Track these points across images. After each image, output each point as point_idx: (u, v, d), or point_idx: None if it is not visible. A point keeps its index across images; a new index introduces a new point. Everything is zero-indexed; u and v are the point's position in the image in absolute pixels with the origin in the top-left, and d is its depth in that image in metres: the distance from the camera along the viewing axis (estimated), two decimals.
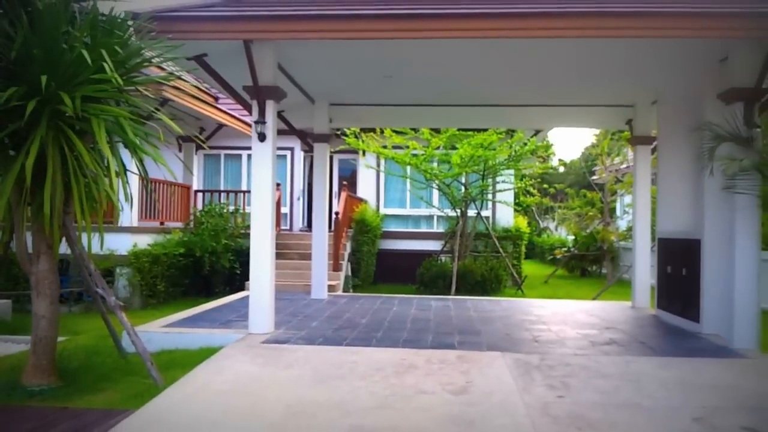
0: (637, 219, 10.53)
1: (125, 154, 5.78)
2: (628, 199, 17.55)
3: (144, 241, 11.60)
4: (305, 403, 4.84)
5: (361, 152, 16.44)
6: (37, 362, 5.61)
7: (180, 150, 14.78)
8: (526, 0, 7.11)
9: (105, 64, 5.14)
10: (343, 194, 14.50)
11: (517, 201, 17.80)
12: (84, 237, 5.89)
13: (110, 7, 5.79)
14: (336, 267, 12.88)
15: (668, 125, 9.44)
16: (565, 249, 20.28)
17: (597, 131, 19.76)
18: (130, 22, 6.07)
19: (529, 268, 20.05)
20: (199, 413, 4.58)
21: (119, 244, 10.82)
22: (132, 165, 6.06)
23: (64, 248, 5.95)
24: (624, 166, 18.72)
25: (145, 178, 6.18)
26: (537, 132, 14.92)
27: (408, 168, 15.62)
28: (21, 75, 5.21)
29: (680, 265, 8.65)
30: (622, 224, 19.80)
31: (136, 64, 5.86)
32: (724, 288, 7.29)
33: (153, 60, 6.11)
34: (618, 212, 21.01)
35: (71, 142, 5.29)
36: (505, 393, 5.22)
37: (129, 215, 10.98)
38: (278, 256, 12.36)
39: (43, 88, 4.98)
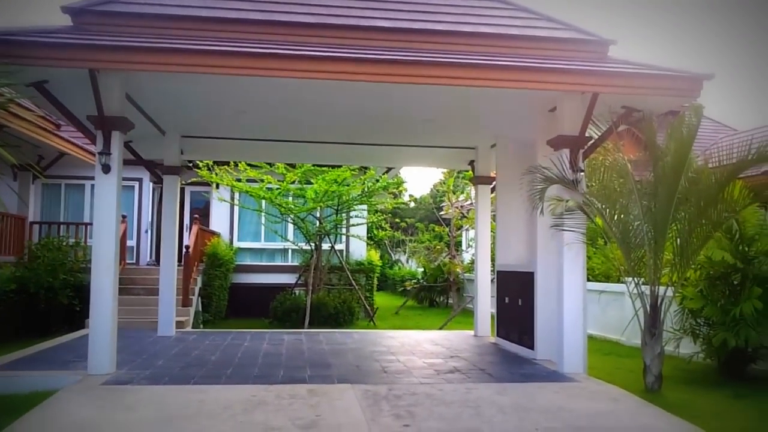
0: (478, 252, 11.20)
1: None
2: (472, 233, 18.58)
3: None
4: None
5: (214, 185, 16.16)
6: None
7: (15, 179, 13.74)
8: (372, 46, 7.52)
9: None
10: (195, 227, 14.15)
11: (369, 235, 18.27)
12: None
13: None
14: (185, 302, 12.49)
15: (505, 167, 10.22)
16: (415, 281, 21.00)
17: (444, 170, 20.82)
18: None
19: (381, 299, 20.53)
20: None
21: None
22: None
23: None
24: (468, 202, 19.83)
25: None
26: (389, 169, 15.50)
27: (263, 202, 15.56)
28: None
29: (517, 296, 9.31)
30: (467, 257, 20.87)
31: None
32: (554, 316, 7.93)
33: None
34: (463, 246, 22.13)
35: None
36: (354, 425, 5.34)
37: None
38: (123, 291, 11.79)
39: None
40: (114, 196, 7.18)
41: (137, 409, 5.67)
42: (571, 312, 7.60)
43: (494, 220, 11.17)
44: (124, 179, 7.58)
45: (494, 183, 11.10)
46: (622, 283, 10.45)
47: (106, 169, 7.15)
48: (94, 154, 7.47)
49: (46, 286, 11.65)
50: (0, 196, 5.44)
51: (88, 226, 14.72)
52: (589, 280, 8.25)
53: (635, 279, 7.60)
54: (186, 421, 5.33)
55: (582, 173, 7.77)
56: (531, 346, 8.65)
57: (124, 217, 13.88)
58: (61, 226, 14.96)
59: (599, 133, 8.14)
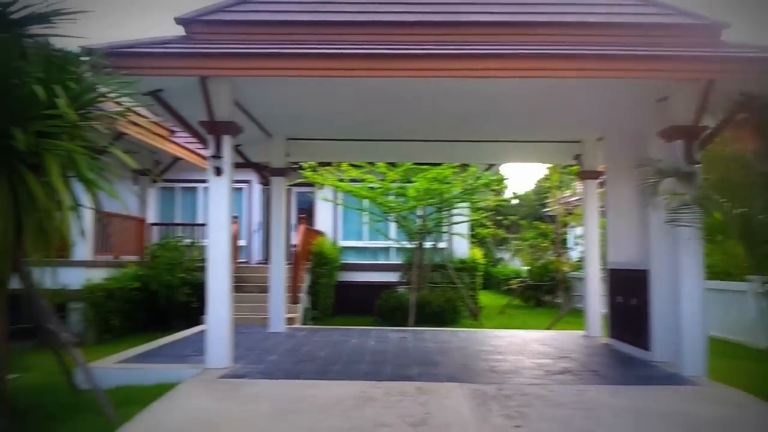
0: (587, 250, 10.82)
1: (80, 188, 5.74)
2: (579, 230, 17.99)
3: (98, 275, 11.40)
4: None
5: (318, 185, 16.52)
6: None
7: (135, 183, 14.62)
8: (473, 41, 7.40)
9: (58, 100, 5.15)
10: (301, 227, 14.52)
11: (472, 233, 18.07)
12: (36, 272, 5.80)
13: (64, 44, 5.81)
14: (294, 300, 12.84)
15: (613, 161, 9.80)
16: (520, 279, 20.58)
17: (548, 165, 20.29)
18: (84, 58, 6.09)
19: (485, 298, 20.27)
20: None
21: (72, 278, 10.60)
22: (86, 199, 6.01)
23: (15, 283, 5.85)
24: (574, 198, 19.21)
25: (99, 213, 6.13)
26: (490, 166, 15.26)
27: (365, 201, 15.74)
28: None
29: (630, 295, 8.91)
30: (574, 255, 20.22)
31: (89, 100, 5.84)
32: (671, 316, 7.52)
33: (108, 95, 6.11)
34: (570, 243, 21.46)
35: (23, 177, 5.24)
36: (463, 424, 5.28)
37: (82, 249, 10.79)
38: (236, 289, 12.17)
39: None
40: (226, 197, 7.46)
41: (253, 402, 5.86)
42: (690, 311, 7.19)
43: (603, 216, 10.74)
44: (234, 181, 7.87)
45: (602, 177, 10.68)
46: (745, 281, 9.78)
47: (218, 171, 7.44)
48: (205, 158, 7.80)
49: (166, 284, 12.31)
50: (123, 199, 5.77)
51: (202, 227, 15.46)
52: (707, 278, 7.76)
53: (760, 277, 7.07)
54: (299, 415, 5.46)
55: (698, 165, 7.33)
56: (646, 347, 8.26)
57: (235, 217, 14.42)
58: (177, 227, 15.79)
59: (715, 123, 7.64)
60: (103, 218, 7.64)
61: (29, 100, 5.19)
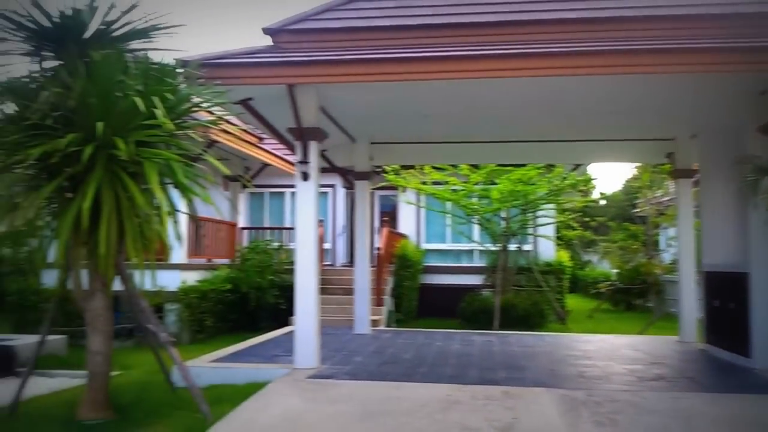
0: (681, 252, 10.38)
1: (175, 194, 6.02)
2: (671, 232, 17.28)
3: (192, 278, 11.89)
4: None
5: (401, 188, 16.61)
6: (92, 397, 5.81)
7: (226, 189, 15.18)
8: (558, 39, 7.26)
9: (156, 111, 5.43)
10: (385, 230, 14.64)
11: (558, 235, 17.68)
12: (136, 275, 6.12)
13: (161, 57, 6.12)
14: (379, 302, 12.96)
15: (709, 158, 9.36)
16: (609, 283, 19.97)
17: (637, 164, 19.60)
18: (180, 70, 6.38)
19: (572, 302, 19.78)
20: None
21: (169, 280, 11.11)
22: (181, 204, 6.30)
23: (116, 285, 6.19)
24: (666, 198, 18.47)
25: (194, 218, 6.41)
26: (577, 166, 14.88)
27: (448, 203, 15.71)
28: (78, 122, 5.50)
29: (727, 299, 8.48)
30: (667, 257, 19.43)
31: (185, 110, 6.13)
32: None
33: (201, 105, 6.39)
34: (662, 245, 20.64)
35: (125, 184, 5.55)
36: (552, 430, 5.19)
37: (178, 253, 11.29)
38: (322, 291, 12.44)
39: (99, 134, 5.27)
40: (313, 200, 7.63)
41: (341, 403, 5.97)
42: None
43: (697, 217, 10.27)
44: (320, 186, 8.04)
45: (696, 176, 10.22)
46: None
47: (305, 176, 7.62)
48: (292, 164, 8.01)
49: (256, 286, 12.71)
50: (215, 204, 6.02)
51: (289, 231, 15.88)
52: None
53: None
54: (385, 417, 5.51)
55: None
56: (746, 354, 7.85)
57: (320, 221, 14.74)
58: (266, 231, 16.26)
59: None
60: (197, 223, 7.96)
61: (130, 111, 5.50)
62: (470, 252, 17.24)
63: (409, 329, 12.24)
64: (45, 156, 5.30)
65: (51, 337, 8.07)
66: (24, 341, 8.63)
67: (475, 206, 15.13)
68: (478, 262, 16.94)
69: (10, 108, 5.79)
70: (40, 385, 7.36)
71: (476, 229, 16.54)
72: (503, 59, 6.87)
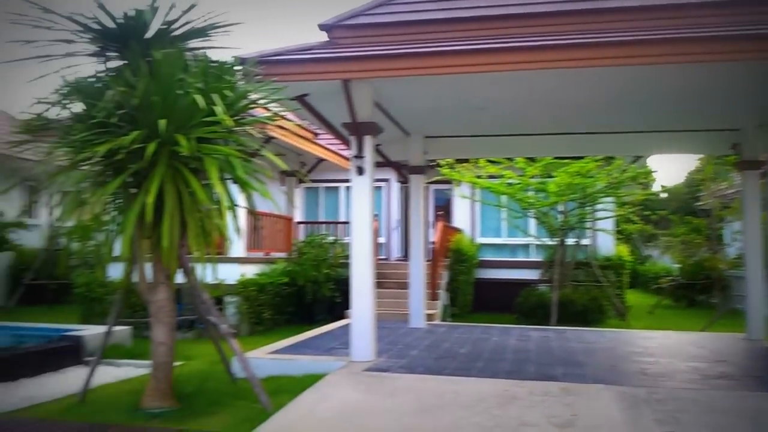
0: (747, 247, 10.00)
1: (234, 189, 6.14)
2: (736, 225, 16.66)
3: (251, 271, 12.12)
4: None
5: (455, 182, 16.52)
6: (156, 386, 5.99)
7: (283, 184, 15.39)
8: (614, 29, 7.07)
9: (216, 108, 5.55)
10: (439, 224, 14.59)
11: (618, 229, 17.27)
12: (198, 268, 6.27)
13: (220, 55, 6.25)
14: (434, 296, 12.94)
15: None
16: (671, 278, 19.42)
17: (700, 156, 18.97)
18: (237, 67, 6.50)
19: (632, 297, 19.31)
20: None
21: (228, 274, 11.36)
22: (240, 199, 6.42)
23: (179, 278, 6.36)
24: (731, 191, 17.82)
25: (253, 212, 6.52)
26: (637, 158, 14.49)
27: (503, 197, 15.54)
28: (142, 120, 5.66)
29: None
30: (732, 252, 18.76)
31: (243, 106, 6.24)
32: None
33: (259, 101, 6.49)
34: (726, 239, 19.95)
35: (186, 180, 5.69)
36: (612, 427, 5.09)
37: (237, 247, 11.53)
38: (377, 285, 12.51)
39: (162, 131, 5.41)
40: (368, 195, 7.67)
41: (397, 396, 5.99)
42: None
43: (765, 210, 9.87)
44: (374, 180, 8.06)
45: (764, 167, 9.81)
46: None
47: (360, 171, 7.66)
48: (347, 158, 8.07)
49: (312, 279, 12.87)
50: (273, 199, 6.13)
51: (344, 225, 16.02)
52: None
53: None
54: (442, 411, 5.51)
55: None
56: None
57: (375, 215, 14.82)
58: (321, 225, 16.44)
59: None
60: (255, 217, 8.11)
61: (191, 109, 5.63)
62: (526, 246, 17.03)
63: (464, 324, 12.18)
64: (110, 153, 5.48)
65: (117, 328, 8.34)
66: (91, 332, 8.95)
67: (532, 200, 14.91)
68: (535, 257, 16.71)
69: (78, 107, 6.01)
70: (107, 374, 7.63)
71: (533, 223, 16.31)
72: (567, 50, 6.73)
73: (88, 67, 6.25)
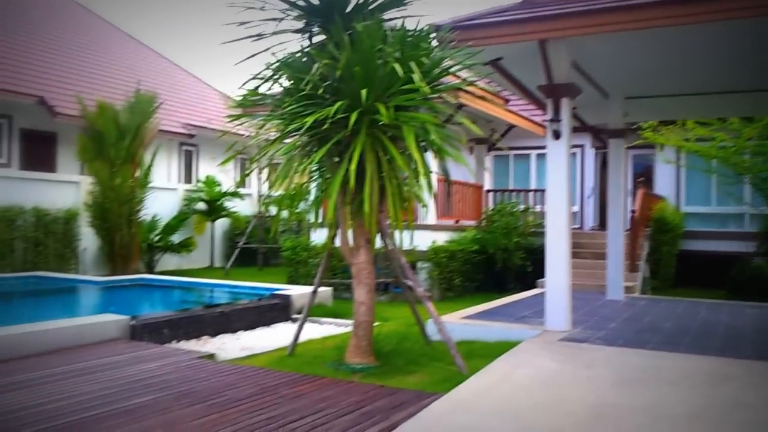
0: None
1: (428, 157, 6.24)
2: None
3: (441, 238, 12.33)
4: (608, 405, 4.73)
5: (658, 147, 15.41)
6: (357, 343, 6.34)
7: (472, 152, 15.37)
8: None
9: (413, 75, 5.64)
10: (640, 191, 13.73)
11: None
12: (395, 233, 6.50)
13: (416, 23, 6.32)
14: (632, 268, 12.27)
15: None
16: None
17: None
18: (432, 35, 6.55)
19: None
20: (502, 403, 4.76)
21: (420, 240, 11.64)
22: (433, 167, 6.51)
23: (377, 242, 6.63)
24: None
25: (447, 179, 6.60)
26: None
27: (713, 162, 14.23)
28: (344, 91, 5.92)
29: None
30: None
31: (439, 73, 6.28)
32: None
33: (453, 68, 6.49)
34: None
35: (385, 147, 5.88)
36: None
37: (429, 214, 11.76)
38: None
39: (363, 100, 5.63)
40: (564, 161, 7.42)
41: (595, 367, 5.80)
42: None
43: None
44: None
45: None
46: None
47: (556, 135, 7.42)
48: (539, 124, 7.84)
49: (502, 247, 12.79)
50: (468, 165, 6.15)
51: (534, 193, 15.68)
52: None
53: None
54: (642, 385, 5.24)
55: None
56: None
57: None
58: (512, 193, 16.22)
59: None
60: (447, 185, 8.20)
61: (389, 78, 5.79)
62: (740, 216, 15.49)
63: (666, 298, 11.42)
64: (316, 124, 5.81)
65: (320, 289, 8.94)
66: (297, 291, 9.68)
67: (748, 164, 13.49)
68: (750, 228, 15.15)
69: (287, 82, 6.43)
70: (312, 330, 8.22)
71: (748, 191, 14.77)
72: None
73: (295, 44, 6.67)
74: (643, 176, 15.93)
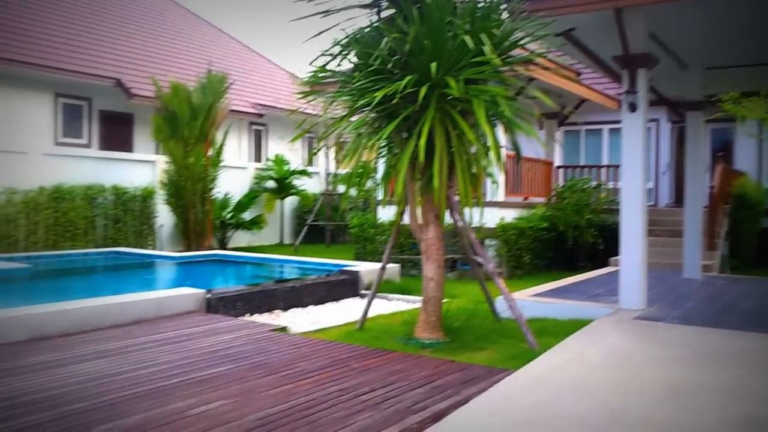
0: None
1: (497, 131, 6.13)
2: None
3: (510, 215, 12.15)
4: (684, 384, 4.58)
5: (739, 119, 14.68)
6: (427, 319, 6.35)
7: (542, 128, 15.04)
8: None
9: (484, 47, 5.53)
10: (719, 167, 13.15)
11: None
12: (464, 209, 6.43)
13: None
14: (711, 246, 11.81)
15: None
16: None
17: None
18: (503, 6, 6.39)
19: None
20: (575, 380, 4.68)
21: (488, 217, 11.50)
22: (503, 141, 6.39)
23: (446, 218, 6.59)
24: None
25: (518, 154, 6.48)
26: None
27: None
28: (413, 65, 5.86)
29: None
30: None
31: (510, 45, 6.15)
32: None
33: (524, 39, 6.33)
34: None
35: (455, 121, 5.81)
36: None
37: (498, 190, 11.61)
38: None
39: (433, 74, 5.56)
40: (640, 134, 7.17)
41: (671, 347, 5.64)
42: None
43: None
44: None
45: None
46: None
47: (632, 107, 7.17)
48: (612, 98, 7.58)
49: (573, 225, 12.51)
50: (540, 139, 6.01)
51: (607, 169, 15.23)
52: None
53: None
54: (722, 365, 5.05)
55: None
56: None
57: None
58: (583, 170, 15.81)
59: None
60: (517, 160, 8.03)
61: (459, 50, 5.70)
62: None
63: (746, 277, 10.95)
64: (385, 99, 5.78)
65: (388, 265, 8.99)
66: (365, 268, 9.75)
67: None
68: None
69: (356, 58, 6.42)
70: (380, 306, 8.28)
71: None
72: None
73: (362, 20, 6.64)
74: (723, 151, 15.24)
